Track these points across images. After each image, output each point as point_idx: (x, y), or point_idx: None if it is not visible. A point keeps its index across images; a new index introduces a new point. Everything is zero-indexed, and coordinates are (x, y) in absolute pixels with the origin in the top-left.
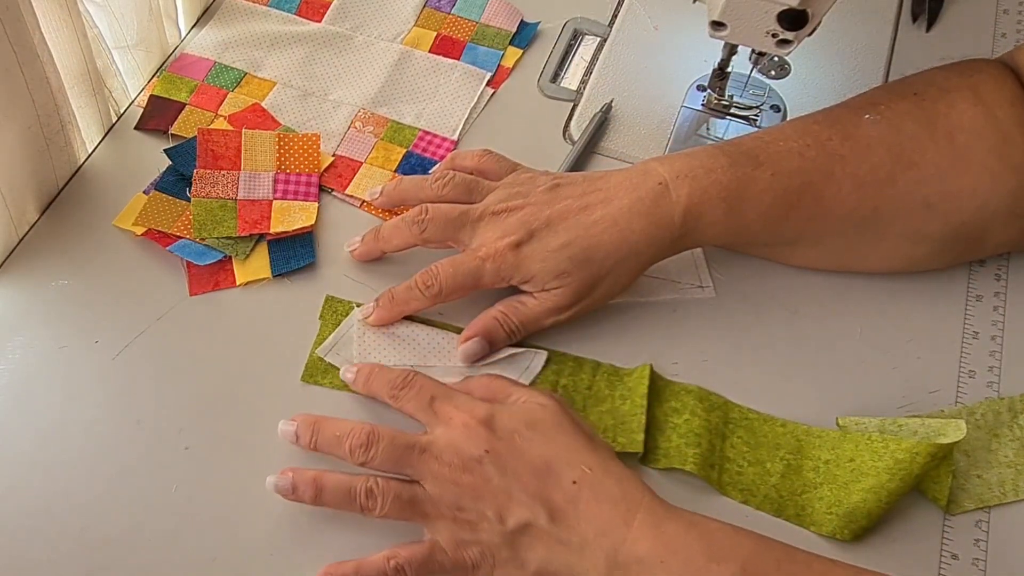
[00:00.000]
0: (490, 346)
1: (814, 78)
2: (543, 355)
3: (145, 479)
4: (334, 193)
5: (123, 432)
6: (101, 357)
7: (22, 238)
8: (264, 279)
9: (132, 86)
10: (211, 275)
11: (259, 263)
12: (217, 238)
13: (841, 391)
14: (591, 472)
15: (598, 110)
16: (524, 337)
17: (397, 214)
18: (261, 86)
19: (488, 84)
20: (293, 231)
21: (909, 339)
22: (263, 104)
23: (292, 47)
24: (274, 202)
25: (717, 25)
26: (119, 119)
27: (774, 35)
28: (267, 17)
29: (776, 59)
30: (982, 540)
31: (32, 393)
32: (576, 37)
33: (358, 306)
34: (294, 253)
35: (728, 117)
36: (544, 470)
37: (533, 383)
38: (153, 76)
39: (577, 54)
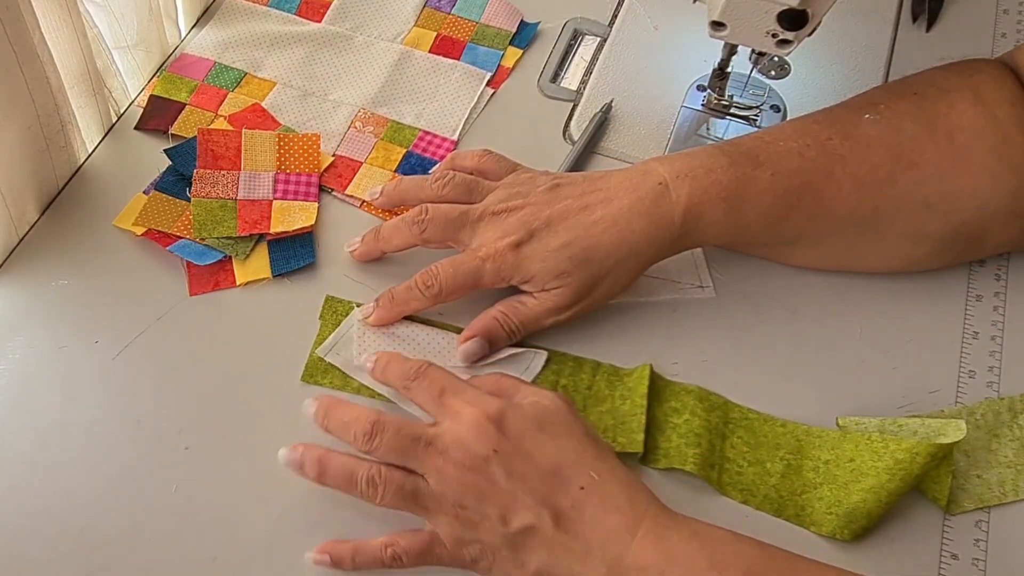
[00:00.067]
0: (490, 346)
1: (814, 78)
2: (543, 355)
3: (145, 479)
4: (334, 193)
5: (123, 432)
6: (101, 357)
7: (22, 238)
8: (264, 279)
9: (132, 86)
10: (211, 275)
11: (259, 263)
12: (217, 238)
13: (841, 391)
14: (599, 478)
15: (598, 110)
16: (524, 337)
17: (397, 214)
18: (261, 86)
19: (488, 84)
20: (293, 231)
21: (909, 339)
22: (263, 104)
23: (292, 47)
24: (274, 202)
25: (717, 25)
26: (119, 119)
27: (774, 35)
28: (267, 17)
29: (776, 59)
30: (982, 540)
31: (32, 393)
32: (576, 37)
33: (358, 306)
34: (294, 253)
35: (728, 117)
36: (552, 474)
37: (533, 383)
38: (153, 76)
39: (577, 54)
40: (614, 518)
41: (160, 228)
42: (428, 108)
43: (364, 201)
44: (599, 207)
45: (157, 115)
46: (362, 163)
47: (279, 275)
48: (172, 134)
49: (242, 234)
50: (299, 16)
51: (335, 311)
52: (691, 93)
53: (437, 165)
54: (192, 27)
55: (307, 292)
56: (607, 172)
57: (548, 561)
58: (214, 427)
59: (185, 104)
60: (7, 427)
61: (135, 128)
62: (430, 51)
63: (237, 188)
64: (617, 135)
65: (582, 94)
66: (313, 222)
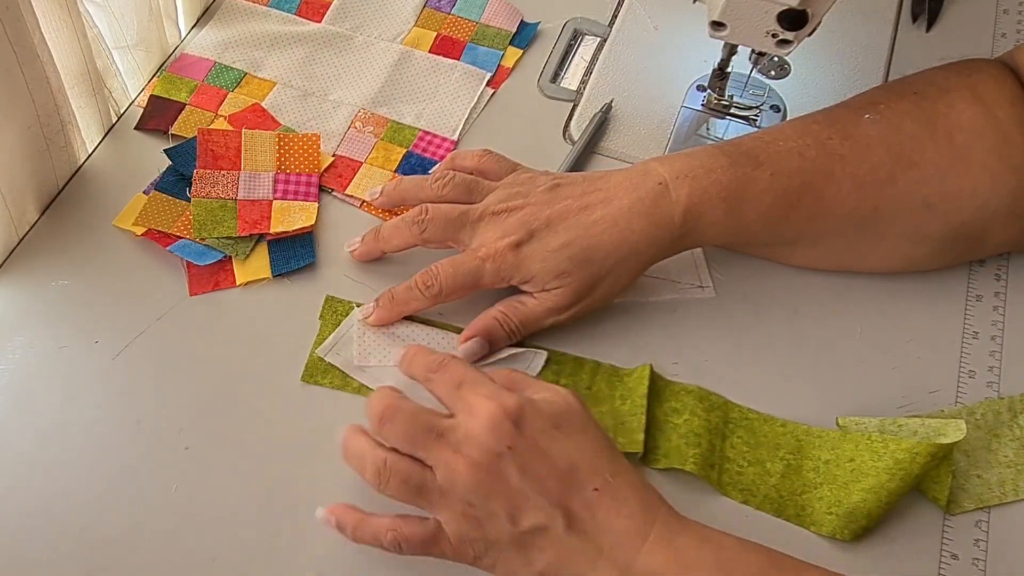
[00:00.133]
0: (490, 346)
1: (814, 78)
2: (543, 355)
3: (145, 479)
4: (334, 193)
5: (123, 432)
6: (101, 357)
7: (22, 238)
8: (264, 279)
9: (132, 86)
10: (211, 275)
11: (259, 263)
12: (217, 238)
13: (841, 391)
14: (612, 481)
15: (598, 110)
16: (524, 337)
17: (397, 214)
18: (261, 86)
19: (488, 84)
20: (293, 231)
21: (909, 339)
22: (263, 104)
23: (292, 47)
24: (274, 202)
25: (717, 25)
26: (119, 119)
27: (774, 35)
28: (267, 17)
29: (776, 59)
30: (982, 540)
31: (32, 393)
32: (576, 37)
33: (358, 306)
34: (294, 253)
35: (728, 117)
36: (567, 474)
37: None
38: (153, 76)
39: (577, 54)
40: (626, 522)
41: (160, 228)
42: (428, 108)
43: (364, 201)
44: (599, 207)
45: (157, 115)
46: (362, 163)
47: (279, 275)
48: (172, 134)
49: (242, 234)
50: (299, 16)
51: (335, 311)
52: (691, 93)
53: (437, 165)
54: (192, 27)
55: (307, 292)
56: (607, 172)
57: (556, 562)
58: (214, 427)
59: (185, 104)
60: (7, 427)
61: (135, 128)
62: (430, 51)
63: (237, 188)
64: (617, 135)
65: (582, 94)
66: (313, 222)
